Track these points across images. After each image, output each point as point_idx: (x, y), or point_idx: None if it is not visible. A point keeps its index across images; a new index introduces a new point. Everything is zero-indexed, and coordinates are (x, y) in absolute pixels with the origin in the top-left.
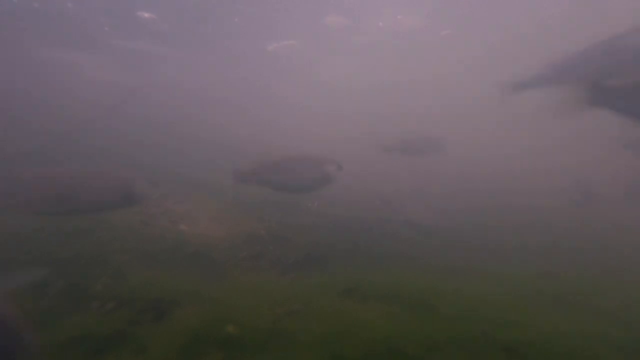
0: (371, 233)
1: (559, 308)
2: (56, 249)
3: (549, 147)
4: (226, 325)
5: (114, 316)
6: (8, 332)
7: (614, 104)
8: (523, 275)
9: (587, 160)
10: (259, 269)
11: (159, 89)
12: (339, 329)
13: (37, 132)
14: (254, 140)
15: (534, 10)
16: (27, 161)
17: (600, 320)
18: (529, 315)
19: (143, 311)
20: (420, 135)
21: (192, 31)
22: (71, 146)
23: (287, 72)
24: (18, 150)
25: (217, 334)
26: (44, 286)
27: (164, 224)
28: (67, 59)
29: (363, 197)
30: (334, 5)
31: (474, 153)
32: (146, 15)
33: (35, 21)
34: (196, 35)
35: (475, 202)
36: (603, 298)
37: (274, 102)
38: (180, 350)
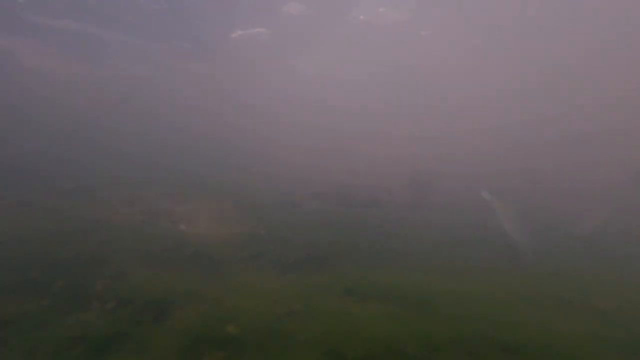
0: (371, 233)
1: (558, 308)
2: (56, 249)
3: None
4: (226, 325)
5: (114, 316)
6: None
7: None
8: (523, 275)
9: None
10: (259, 269)
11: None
12: (339, 329)
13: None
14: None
15: (518, 13)
16: (32, 159)
17: (599, 320)
18: (528, 316)
19: (143, 311)
20: None
21: (124, 7)
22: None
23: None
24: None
25: (217, 334)
26: (44, 286)
27: (164, 224)
28: None
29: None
30: None
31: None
32: None
33: None
34: (139, 17)
35: None
36: (603, 298)
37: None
38: (180, 350)
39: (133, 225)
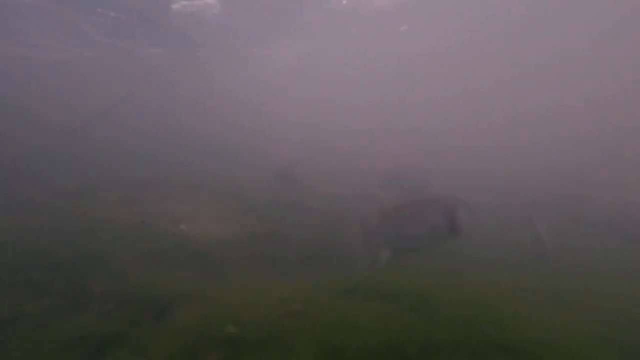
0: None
1: (558, 308)
2: (56, 249)
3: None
4: (226, 325)
5: (114, 316)
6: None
7: None
8: (522, 275)
9: None
10: (259, 269)
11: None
12: (338, 329)
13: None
14: None
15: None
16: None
17: (599, 320)
18: (528, 316)
19: (143, 311)
20: None
21: None
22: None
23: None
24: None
25: (217, 334)
26: (44, 286)
27: (164, 223)
28: None
29: None
30: None
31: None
32: None
33: None
34: None
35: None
36: (602, 298)
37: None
38: (179, 350)
39: (133, 225)
